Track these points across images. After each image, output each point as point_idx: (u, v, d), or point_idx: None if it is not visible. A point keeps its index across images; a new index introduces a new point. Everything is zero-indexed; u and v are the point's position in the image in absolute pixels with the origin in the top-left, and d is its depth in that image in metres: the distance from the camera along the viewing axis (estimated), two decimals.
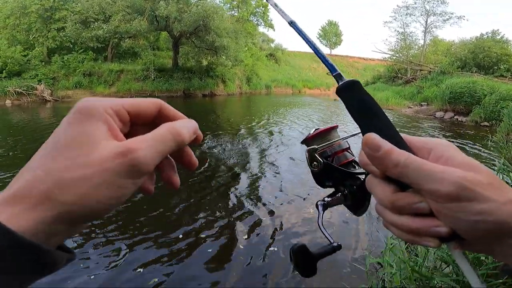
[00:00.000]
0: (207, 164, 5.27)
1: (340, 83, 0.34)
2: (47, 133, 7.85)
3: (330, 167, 0.41)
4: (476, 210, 0.24)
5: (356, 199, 0.40)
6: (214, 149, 6.38)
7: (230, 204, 3.72)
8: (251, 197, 3.95)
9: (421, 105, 15.42)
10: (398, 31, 25.06)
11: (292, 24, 0.39)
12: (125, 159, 0.22)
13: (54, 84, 17.73)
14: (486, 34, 19.61)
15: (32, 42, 18.84)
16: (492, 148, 6.47)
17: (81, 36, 17.84)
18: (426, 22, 23.73)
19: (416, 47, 24.89)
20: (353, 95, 0.33)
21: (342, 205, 0.42)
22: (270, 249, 2.76)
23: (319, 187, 0.44)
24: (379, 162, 0.27)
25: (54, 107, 14.30)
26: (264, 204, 3.72)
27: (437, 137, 8.21)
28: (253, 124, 9.83)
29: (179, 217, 3.36)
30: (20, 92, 15.91)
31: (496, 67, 17.19)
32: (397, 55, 24.17)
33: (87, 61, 19.34)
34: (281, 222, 3.26)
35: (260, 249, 2.77)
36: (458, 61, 18.00)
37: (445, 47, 24.46)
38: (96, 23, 17.89)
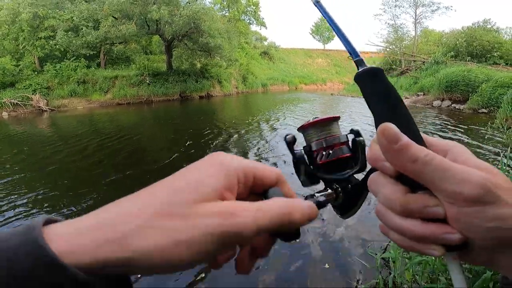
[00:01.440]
0: None
1: (361, 69, 0.32)
2: (48, 145, 7.83)
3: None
4: (495, 215, 0.22)
5: (348, 200, 0.35)
6: (217, 148, 6.37)
7: None
8: None
9: (418, 95, 15.49)
10: (388, 23, 25.18)
11: (317, 4, 0.36)
12: (222, 221, 0.20)
13: (49, 94, 17.59)
14: (478, 22, 19.75)
15: (22, 51, 18.67)
16: (492, 136, 6.50)
17: (72, 43, 17.70)
18: (416, 13, 23.89)
19: (408, 38, 25.03)
20: (376, 82, 0.31)
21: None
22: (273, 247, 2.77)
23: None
24: (395, 156, 0.24)
25: (51, 117, 14.21)
26: None
27: (438, 125, 8.24)
28: (253, 122, 9.83)
29: None
30: (16, 103, 15.80)
31: (489, 55, 17.34)
32: (390, 47, 24.27)
33: (80, 69, 19.18)
34: None
35: None
36: (451, 51, 18.12)
37: (436, 37, 24.63)
38: (86, 29, 17.76)
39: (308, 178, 0.37)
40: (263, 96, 23.50)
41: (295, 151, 0.37)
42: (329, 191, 0.35)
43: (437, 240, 0.24)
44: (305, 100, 18.39)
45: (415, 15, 23.89)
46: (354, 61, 0.34)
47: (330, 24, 0.36)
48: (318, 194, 0.35)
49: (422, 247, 0.25)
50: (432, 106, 13.31)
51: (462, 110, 11.67)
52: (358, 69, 0.33)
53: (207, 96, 22.19)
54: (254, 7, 35.34)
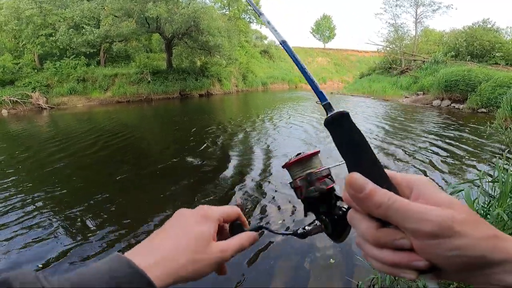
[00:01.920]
0: (212, 160, 5.28)
1: (328, 114, 0.32)
2: (50, 144, 7.83)
3: (309, 197, 0.41)
4: (454, 245, 0.25)
5: (337, 227, 0.40)
6: (217, 147, 6.39)
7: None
8: (260, 191, 3.98)
9: (418, 95, 15.48)
10: (389, 23, 25.11)
11: (283, 43, 0.40)
12: (221, 256, 0.37)
13: (48, 92, 17.55)
14: (478, 23, 19.69)
15: (21, 49, 18.63)
16: (491, 136, 6.51)
17: (73, 41, 17.67)
18: (416, 12, 23.83)
19: (409, 37, 24.97)
20: (342, 129, 0.32)
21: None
22: (274, 247, 2.79)
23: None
24: (362, 203, 0.28)
25: (51, 115, 14.20)
26: (271, 199, 3.74)
27: (435, 126, 8.22)
28: (253, 120, 9.83)
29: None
30: (16, 101, 15.78)
31: (489, 55, 17.30)
32: (390, 46, 24.22)
33: (80, 67, 19.16)
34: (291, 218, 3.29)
35: (263, 246, 2.79)
36: (451, 51, 18.08)
37: (436, 37, 24.56)
38: (87, 27, 17.73)
39: (304, 212, 0.43)
40: (263, 95, 23.48)
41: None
42: (317, 223, 0.41)
43: (408, 266, 0.27)
44: (305, 99, 18.38)
45: (416, 15, 23.83)
46: (322, 106, 0.35)
47: (297, 65, 0.38)
48: (308, 228, 0.42)
49: (398, 272, 0.28)
50: (431, 105, 13.31)
51: (462, 109, 11.68)
52: (326, 114, 0.33)
53: (207, 94, 22.17)
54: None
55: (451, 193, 2.48)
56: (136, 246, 0.34)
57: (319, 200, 0.40)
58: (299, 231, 0.43)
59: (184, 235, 0.35)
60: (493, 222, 2.08)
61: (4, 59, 16.74)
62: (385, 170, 0.31)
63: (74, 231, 3.18)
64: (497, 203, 2.33)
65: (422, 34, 25.00)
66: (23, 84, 17.00)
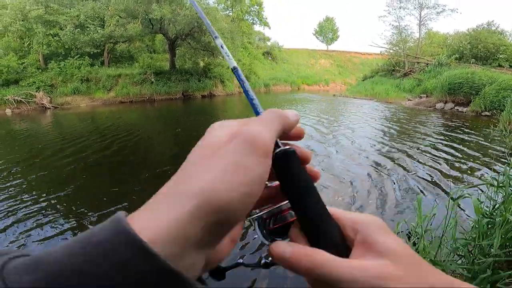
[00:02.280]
0: None
1: (277, 150, 0.30)
2: (54, 142, 7.87)
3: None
4: None
5: None
6: None
7: None
8: None
9: (421, 97, 15.43)
10: (392, 25, 25.08)
11: (234, 70, 0.37)
12: (239, 138, 0.24)
13: (52, 91, 17.67)
14: (482, 25, 19.63)
15: (26, 49, 18.79)
16: (495, 139, 6.47)
17: (77, 40, 17.80)
18: (420, 15, 23.79)
19: (412, 40, 24.92)
20: (287, 169, 0.30)
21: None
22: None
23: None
24: (287, 267, 0.27)
25: (54, 114, 14.27)
26: None
27: (439, 129, 8.19)
28: None
29: None
30: (20, 100, 15.88)
31: (494, 58, 17.23)
32: (394, 48, 24.19)
33: (84, 67, 19.30)
34: None
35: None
36: (455, 53, 18.03)
37: (440, 39, 24.50)
38: (92, 27, 17.87)
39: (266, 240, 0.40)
40: (265, 96, 23.50)
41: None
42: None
43: None
44: (307, 101, 18.37)
45: (420, 17, 23.80)
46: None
47: (244, 89, 0.36)
48: (268, 259, 0.38)
49: None
50: (435, 108, 13.26)
51: (465, 112, 11.63)
52: (274, 149, 0.30)
53: (209, 96, 22.23)
54: (258, 7, 35.35)
55: (458, 197, 2.47)
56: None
57: (283, 231, 0.39)
58: (263, 261, 0.41)
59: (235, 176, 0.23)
60: (499, 226, 2.07)
61: (9, 59, 16.87)
62: (328, 208, 0.30)
63: (78, 229, 3.19)
64: (503, 207, 2.32)
65: (425, 37, 24.96)
66: (28, 83, 17.12)
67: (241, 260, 0.44)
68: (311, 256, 0.26)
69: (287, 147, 0.30)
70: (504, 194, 2.37)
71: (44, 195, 4.12)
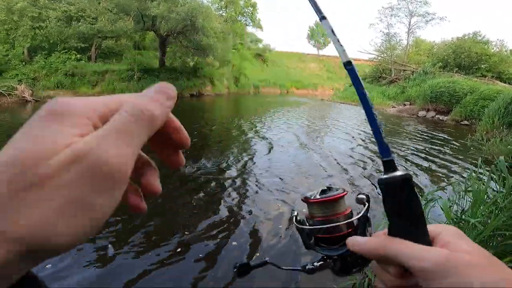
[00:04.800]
0: (197, 167, 5.24)
1: (388, 174, 0.30)
2: None
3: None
4: (450, 284, 0.25)
5: (345, 267, 0.40)
6: (205, 151, 6.35)
7: (225, 205, 3.72)
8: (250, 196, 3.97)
9: (405, 105, 15.81)
10: (383, 32, 25.60)
11: (347, 66, 0.34)
12: (82, 167, 0.16)
13: (35, 84, 17.22)
14: (468, 34, 20.16)
15: (11, 41, 18.24)
16: (472, 148, 6.69)
17: (64, 33, 17.39)
18: (410, 23, 24.36)
19: (400, 47, 25.49)
20: (400, 196, 0.30)
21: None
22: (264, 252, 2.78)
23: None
24: (369, 253, 0.32)
25: (35, 108, 13.89)
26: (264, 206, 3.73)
27: (418, 137, 8.39)
28: (240, 125, 9.83)
29: (172, 219, 3.34)
30: (0, 93, 15.38)
31: (476, 67, 17.79)
32: (382, 55, 24.67)
33: (70, 61, 18.88)
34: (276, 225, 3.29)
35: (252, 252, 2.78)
36: (440, 62, 18.53)
37: (427, 47, 25.14)
38: (81, 20, 17.52)
39: (306, 247, 0.42)
40: (254, 98, 23.54)
41: (297, 224, 0.42)
42: (322, 263, 0.41)
43: None
44: (296, 104, 18.50)
45: (409, 25, 24.34)
46: (383, 161, 0.32)
47: (360, 94, 0.34)
48: (316, 264, 0.41)
49: None
50: (417, 116, 13.60)
51: (445, 121, 11.97)
52: (384, 169, 0.31)
53: (198, 95, 22.11)
54: (251, 9, 35.43)
55: (429, 201, 2.54)
56: None
57: (330, 242, 0.41)
58: (308, 267, 0.42)
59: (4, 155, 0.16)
60: (465, 229, 2.13)
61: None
62: None
63: None
64: (470, 211, 2.40)
65: (413, 44, 25.54)
66: (10, 76, 16.64)
67: (267, 258, 0.45)
68: (394, 245, 0.29)
69: (407, 173, 0.30)
70: (470, 199, 2.46)
71: None
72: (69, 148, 0.17)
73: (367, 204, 0.41)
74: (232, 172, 4.90)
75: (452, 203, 2.51)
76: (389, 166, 0.31)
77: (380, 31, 32.46)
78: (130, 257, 2.59)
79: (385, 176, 0.30)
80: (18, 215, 0.15)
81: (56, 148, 0.16)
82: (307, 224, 0.41)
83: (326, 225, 0.39)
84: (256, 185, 4.32)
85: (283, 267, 0.48)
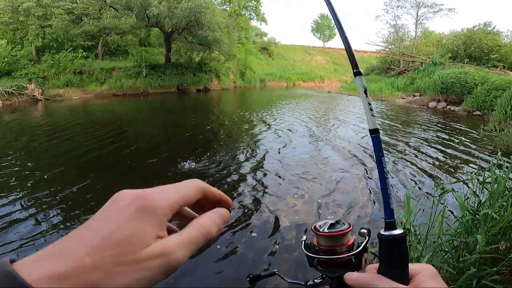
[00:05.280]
0: (213, 159, 5.28)
1: (389, 232, 0.35)
2: (40, 133, 7.76)
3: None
4: None
5: (340, 287, 0.48)
6: (215, 144, 6.38)
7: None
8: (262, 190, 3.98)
9: (414, 96, 15.56)
10: (390, 24, 25.13)
11: (372, 134, 0.38)
12: (163, 260, 0.24)
13: (44, 83, 17.45)
14: (478, 25, 19.73)
15: (18, 41, 18.47)
16: (485, 138, 6.57)
17: (70, 33, 17.54)
18: (417, 14, 23.85)
19: (408, 39, 25.01)
20: (396, 250, 0.35)
21: None
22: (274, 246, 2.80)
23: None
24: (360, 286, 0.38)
25: (46, 106, 14.09)
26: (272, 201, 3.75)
27: (430, 127, 8.27)
28: (246, 116, 9.82)
29: None
30: (11, 92, 15.63)
31: (487, 58, 17.41)
32: (390, 47, 24.26)
33: (78, 60, 19.05)
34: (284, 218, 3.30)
35: (265, 247, 2.80)
36: (449, 52, 18.16)
37: (436, 38, 24.63)
38: (86, 18, 17.61)
39: (310, 265, 0.50)
40: (260, 92, 23.45)
41: (305, 249, 0.51)
42: (321, 281, 0.50)
43: None
44: (302, 97, 18.37)
45: (417, 16, 23.85)
46: (385, 222, 0.36)
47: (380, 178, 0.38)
48: (316, 281, 0.50)
49: None
50: (427, 107, 13.39)
51: (457, 111, 11.76)
52: (384, 228, 0.36)
53: (204, 90, 22.14)
54: (255, 2, 35.08)
55: (443, 193, 2.51)
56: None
57: (330, 265, 0.49)
58: (309, 283, 0.51)
59: (107, 236, 0.23)
60: (483, 221, 2.11)
61: (5, 48, 16.69)
62: None
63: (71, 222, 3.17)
64: (488, 203, 2.37)
65: (421, 36, 25.05)
66: (20, 75, 16.88)
67: (276, 270, 0.55)
68: (377, 277, 0.36)
69: (402, 231, 0.35)
70: (489, 191, 2.41)
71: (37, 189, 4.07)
72: (159, 244, 0.24)
73: (367, 238, 0.49)
74: (246, 167, 4.93)
75: (469, 195, 2.48)
76: (390, 225, 0.35)
77: (387, 22, 31.86)
78: None
79: (385, 233, 0.35)
80: (114, 278, 0.22)
81: (145, 243, 0.24)
82: (315, 249, 0.50)
83: (329, 257, 0.47)
84: (272, 180, 4.33)
85: (288, 280, 0.56)
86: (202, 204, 0.31)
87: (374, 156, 0.36)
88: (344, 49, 0.36)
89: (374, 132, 0.35)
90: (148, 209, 0.25)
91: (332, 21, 0.36)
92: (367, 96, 0.34)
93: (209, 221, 0.29)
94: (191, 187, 0.29)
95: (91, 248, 0.22)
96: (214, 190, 0.32)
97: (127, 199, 0.25)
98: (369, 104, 0.34)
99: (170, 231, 0.28)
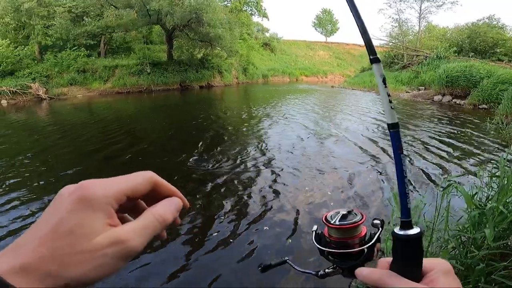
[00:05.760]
0: (216, 157, 5.28)
1: (405, 231, 0.34)
2: (46, 132, 7.81)
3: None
4: None
5: (349, 273, 0.47)
6: (219, 141, 6.38)
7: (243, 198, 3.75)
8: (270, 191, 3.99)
9: (419, 90, 15.42)
10: (393, 18, 24.82)
11: (391, 129, 0.36)
12: (119, 248, 0.25)
13: (48, 82, 17.51)
14: (483, 19, 19.50)
15: (20, 40, 18.54)
16: (492, 132, 6.50)
17: (71, 33, 17.59)
18: (420, 8, 23.55)
19: (412, 33, 24.72)
20: (412, 248, 0.34)
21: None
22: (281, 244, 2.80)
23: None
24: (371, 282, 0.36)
25: (50, 105, 14.17)
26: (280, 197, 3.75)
27: (435, 121, 8.20)
28: (251, 112, 9.80)
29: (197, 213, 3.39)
30: (15, 91, 15.71)
31: (492, 51, 17.23)
32: (393, 41, 24.00)
33: (81, 58, 19.09)
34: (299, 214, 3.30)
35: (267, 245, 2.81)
36: (454, 46, 17.97)
37: (440, 32, 24.33)
38: (87, 18, 17.62)
39: (320, 254, 0.49)
40: (263, 87, 23.38)
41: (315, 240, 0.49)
42: (333, 270, 0.49)
43: None
44: (306, 92, 18.28)
45: (420, 10, 23.55)
46: (401, 221, 0.35)
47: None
48: (328, 271, 0.49)
49: None
50: (432, 100, 13.27)
51: (463, 105, 11.65)
52: (400, 227, 0.35)
53: (207, 86, 22.12)
54: None
55: (447, 186, 2.49)
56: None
57: (341, 256, 0.47)
58: (320, 272, 0.50)
59: (50, 231, 0.24)
60: (490, 216, 2.08)
61: (7, 46, 16.77)
62: None
63: None
64: (496, 198, 2.34)
65: (425, 30, 24.76)
66: (23, 74, 16.93)
67: (287, 258, 0.53)
68: (389, 273, 0.35)
69: (419, 231, 0.34)
70: (498, 185, 2.38)
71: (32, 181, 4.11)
72: (114, 235, 0.26)
73: (380, 229, 0.46)
74: (258, 163, 4.92)
75: (477, 190, 2.45)
76: (406, 225, 0.34)
77: (390, 16, 31.48)
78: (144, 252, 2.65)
79: (400, 232, 0.34)
80: (70, 267, 0.24)
81: (94, 232, 0.25)
82: (326, 240, 0.48)
83: (340, 250, 0.46)
84: (283, 174, 4.33)
85: (298, 269, 0.54)
86: (156, 199, 0.31)
87: (393, 152, 0.33)
88: (359, 33, 0.33)
89: (393, 127, 0.32)
90: (87, 199, 0.26)
91: (348, 4, 0.33)
92: (386, 86, 0.31)
93: (163, 209, 0.30)
94: (140, 178, 0.30)
95: (40, 240, 0.24)
96: (168, 184, 0.32)
97: (67, 192, 0.26)
98: (388, 95, 0.31)
99: (127, 222, 0.28)
